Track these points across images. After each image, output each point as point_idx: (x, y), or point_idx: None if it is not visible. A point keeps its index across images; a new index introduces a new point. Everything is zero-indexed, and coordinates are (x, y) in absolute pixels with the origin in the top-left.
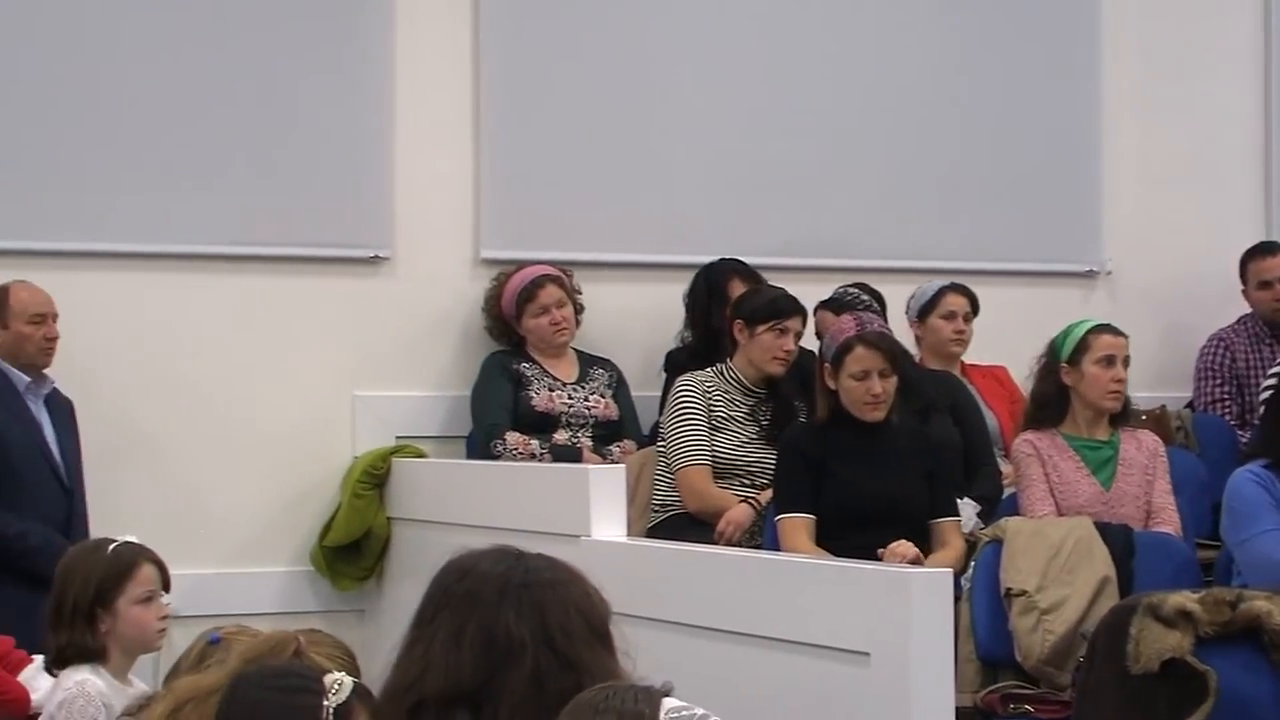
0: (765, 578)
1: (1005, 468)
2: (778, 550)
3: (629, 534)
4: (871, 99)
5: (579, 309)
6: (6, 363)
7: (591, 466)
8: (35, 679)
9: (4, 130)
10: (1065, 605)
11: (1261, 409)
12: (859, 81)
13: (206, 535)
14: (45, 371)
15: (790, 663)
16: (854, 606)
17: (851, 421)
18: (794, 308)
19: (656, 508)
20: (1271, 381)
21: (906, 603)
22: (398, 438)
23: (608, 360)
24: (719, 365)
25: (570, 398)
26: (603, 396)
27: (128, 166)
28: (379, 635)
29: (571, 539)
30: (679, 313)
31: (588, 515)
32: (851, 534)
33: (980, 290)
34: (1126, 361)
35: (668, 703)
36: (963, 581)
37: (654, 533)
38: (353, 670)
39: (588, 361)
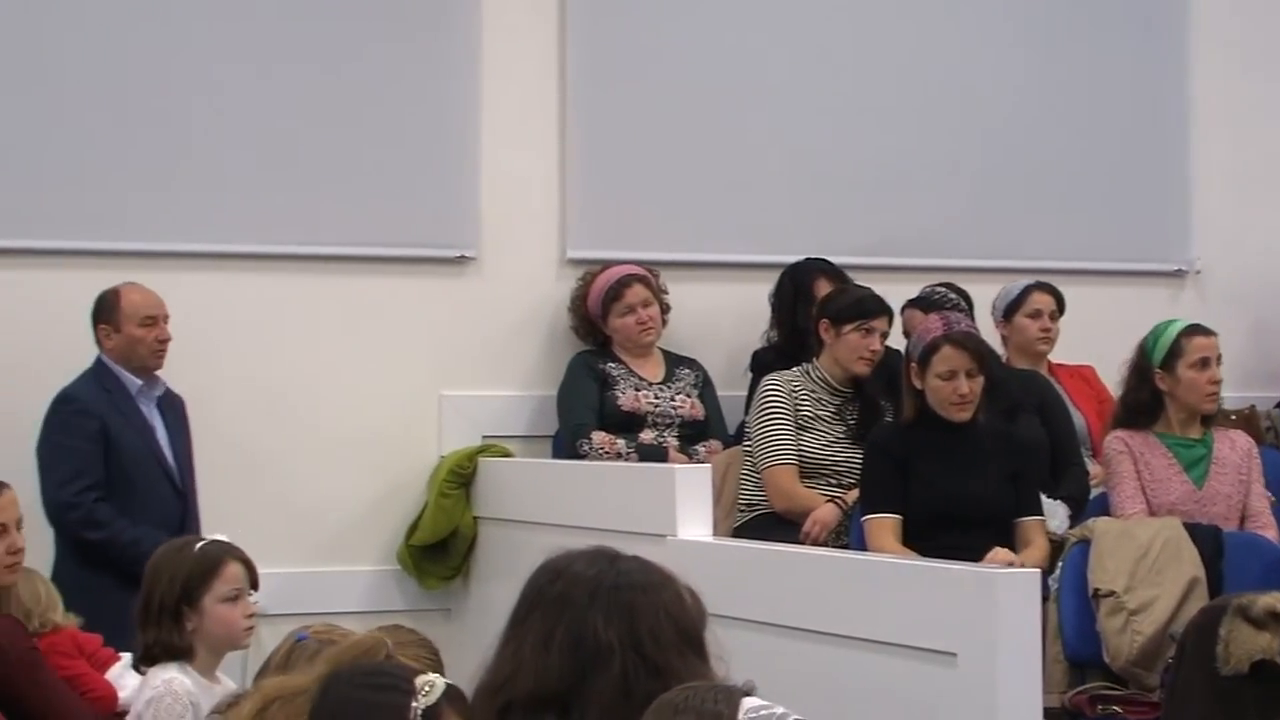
0: (852, 578)
1: (1093, 468)
2: (864, 550)
3: (714, 534)
4: (959, 97)
5: (665, 309)
6: (119, 366)
7: (677, 466)
8: (122, 677)
9: (109, 136)
10: (1154, 606)
11: None
12: (946, 80)
13: (295, 534)
14: (157, 373)
15: (877, 663)
16: (941, 607)
17: (938, 421)
18: (880, 308)
19: (742, 507)
20: None
21: (993, 603)
22: (484, 437)
23: (694, 360)
24: (805, 365)
25: (656, 397)
26: (689, 396)
27: (218, 169)
28: (465, 634)
29: (657, 539)
30: (765, 312)
31: (673, 515)
32: (938, 534)
33: (1067, 289)
34: (1219, 360)
35: (747, 702)
36: (1050, 582)
37: (740, 532)
38: (438, 669)
39: (674, 361)
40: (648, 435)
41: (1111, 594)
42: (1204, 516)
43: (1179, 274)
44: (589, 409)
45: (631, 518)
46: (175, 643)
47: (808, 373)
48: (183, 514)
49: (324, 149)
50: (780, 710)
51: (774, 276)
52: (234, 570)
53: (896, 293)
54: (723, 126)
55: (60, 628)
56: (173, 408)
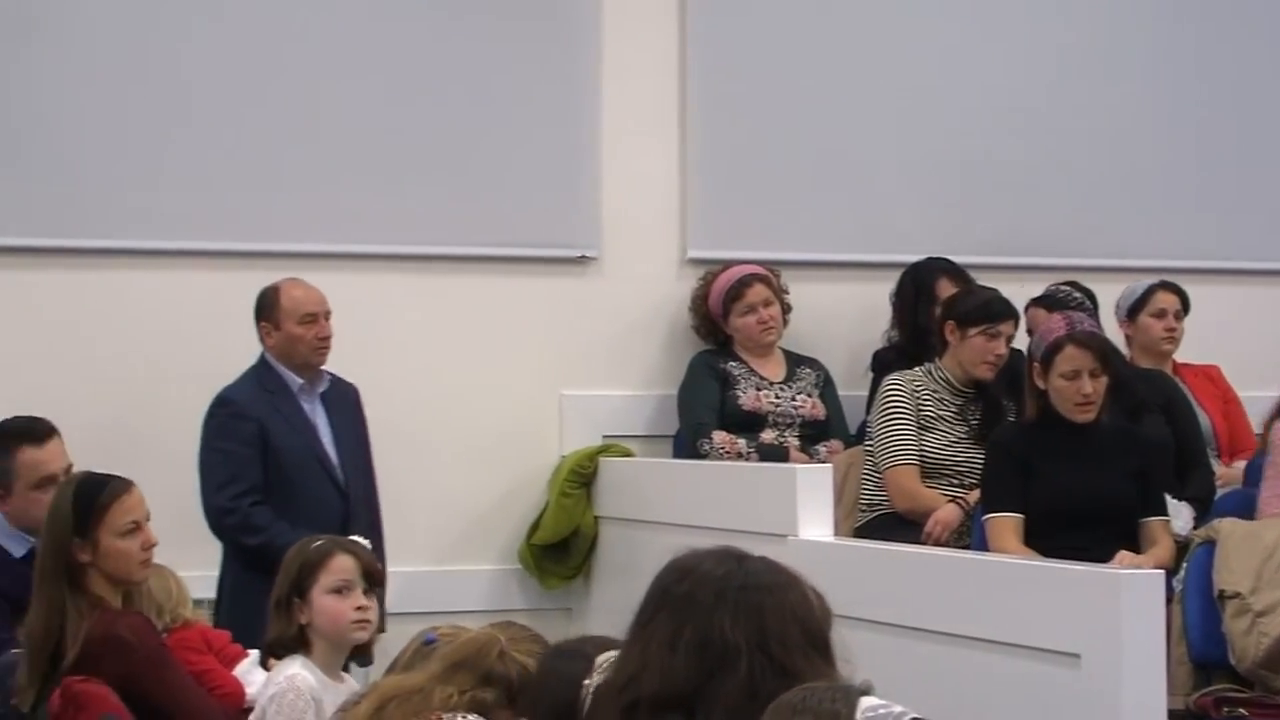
0: (973, 578)
1: (1218, 469)
2: (986, 550)
3: (836, 534)
4: (1082, 95)
5: (786, 308)
6: (280, 363)
7: (799, 466)
8: (250, 673)
9: (262, 139)
10: None
11: None
12: (1069, 77)
13: (417, 533)
14: (322, 369)
15: (999, 664)
16: (1064, 607)
17: (1061, 421)
18: (1007, 311)
19: (864, 507)
20: None
21: (1117, 604)
22: (605, 437)
23: (815, 360)
24: (928, 364)
25: (777, 397)
26: (810, 396)
27: (341, 169)
28: (586, 633)
29: (778, 539)
30: (886, 312)
31: (795, 515)
32: (1060, 534)
33: (1192, 288)
34: None
35: (865, 702)
36: (1174, 583)
37: (861, 532)
38: None
39: (795, 361)
40: (769, 435)
41: (1237, 595)
42: None
43: None
44: (710, 409)
45: (752, 518)
46: (289, 635)
47: (930, 372)
48: (345, 513)
49: (447, 151)
50: (899, 709)
51: (895, 276)
52: (341, 562)
53: (1017, 292)
54: (844, 125)
55: (190, 623)
56: (338, 402)
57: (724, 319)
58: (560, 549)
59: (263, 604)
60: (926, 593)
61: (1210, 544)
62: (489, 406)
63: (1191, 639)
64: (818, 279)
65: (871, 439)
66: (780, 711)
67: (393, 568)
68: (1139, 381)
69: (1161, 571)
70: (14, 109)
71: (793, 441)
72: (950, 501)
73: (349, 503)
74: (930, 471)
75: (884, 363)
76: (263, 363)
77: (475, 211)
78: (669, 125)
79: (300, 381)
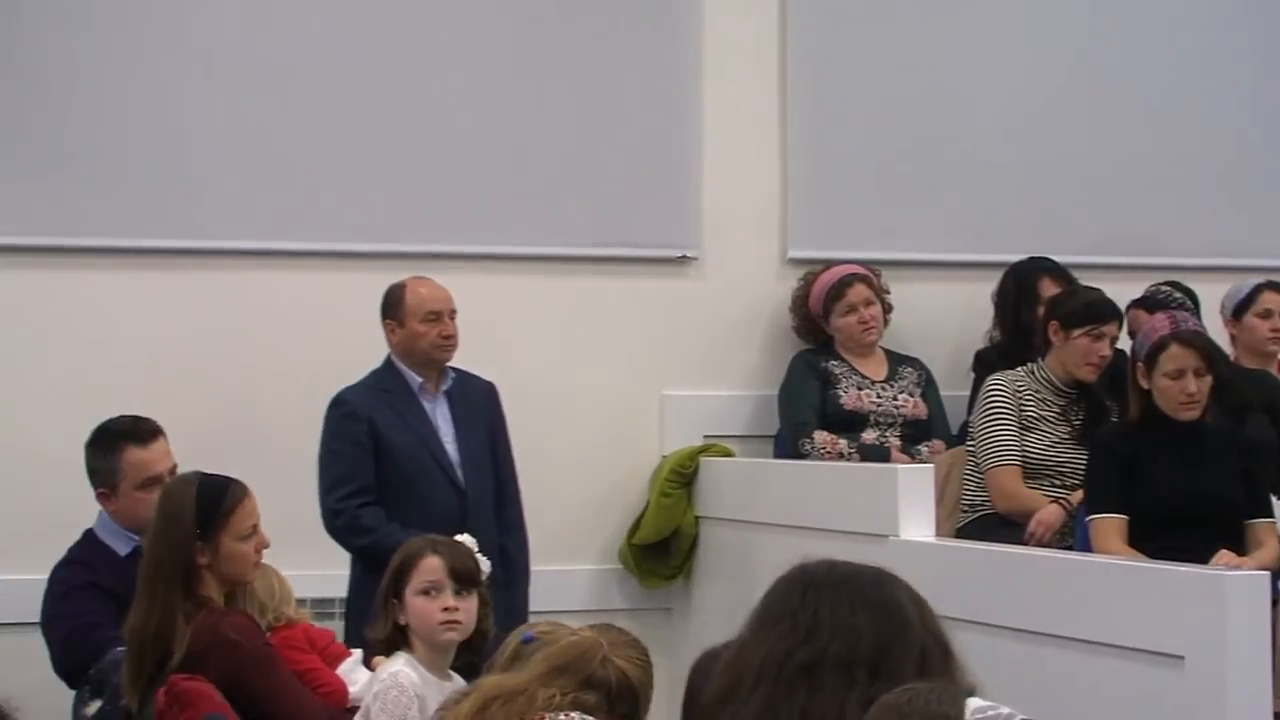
0: (1076, 579)
1: None
2: (1088, 551)
3: (937, 534)
4: (1185, 92)
5: (887, 308)
6: (403, 361)
7: (900, 466)
8: (353, 672)
9: (356, 142)
10: None
11: None
12: (1172, 75)
13: None
14: (448, 366)
15: (1102, 665)
16: (1167, 609)
17: (1165, 421)
18: (1111, 312)
19: (965, 508)
20: None
21: (1222, 605)
22: (705, 437)
23: (916, 359)
24: (1030, 364)
25: (879, 397)
26: (911, 395)
27: (445, 172)
28: (686, 634)
29: (879, 539)
30: (988, 311)
31: (896, 515)
32: (1164, 535)
33: None
34: None
35: (972, 703)
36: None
37: (963, 533)
38: (647, 670)
39: (896, 360)
40: (870, 435)
41: None
42: None
43: None
44: (811, 408)
45: (853, 518)
46: (385, 634)
47: (1032, 372)
48: (462, 512)
49: (547, 152)
50: (1005, 710)
51: (997, 275)
52: (430, 563)
53: (1121, 292)
54: (945, 123)
55: (294, 622)
56: (467, 400)
57: (825, 319)
58: (661, 549)
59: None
60: (1028, 593)
61: None
62: (590, 406)
63: None
64: (919, 278)
65: (973, 439)
66: (887, 712)
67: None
68: (1243, 382)
69: (1267, 573)
70: (128, 112)
71: (894, 441)
72: (1053, 502)
73: (466, 501)
74: (1032, 472)
75: (986, 362)
76: (386, 362)
77: (576, 212)
78: (770, 125)
79: (420, 380)
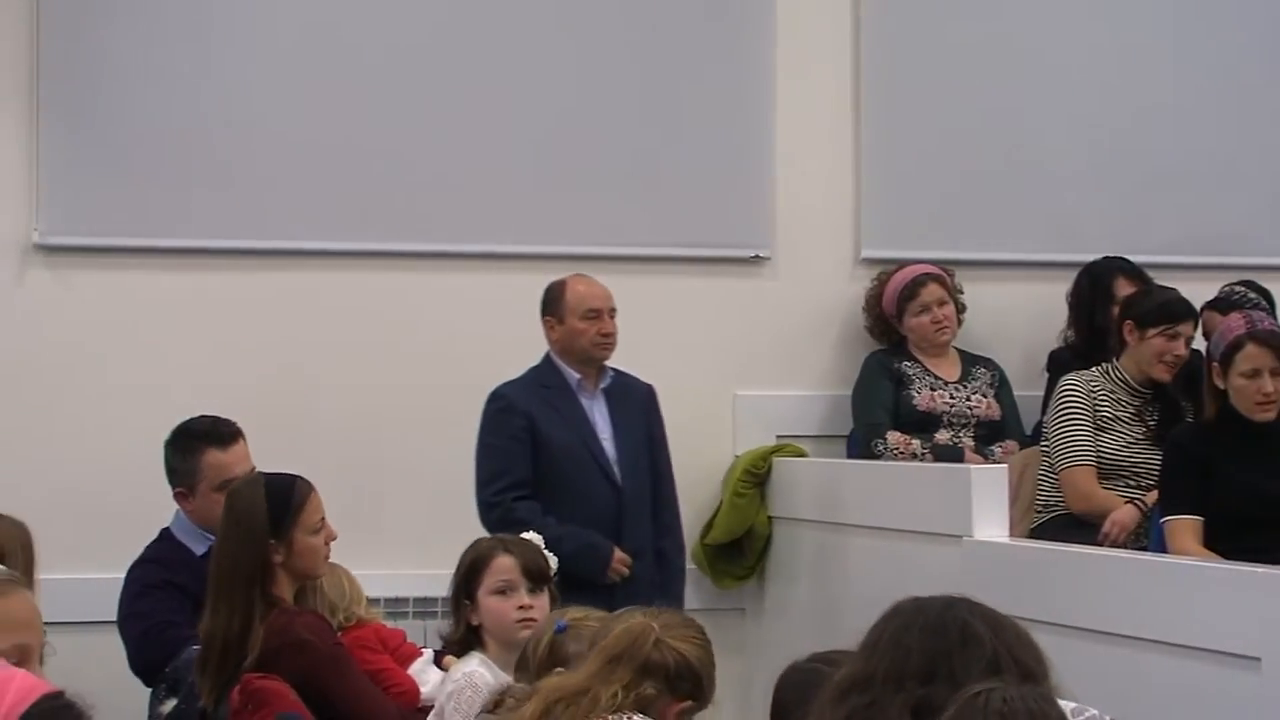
0: (1151, 580)
1: None
2: (1164, 552)
3: (1011, 535)
4: (1261, 91)
5: (961, 308)
6: (562, 358)
7: (974, 466)
8: (424, 671)
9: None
10: None
11: None
12: (1247, 73)
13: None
14: (607, 365)
15: (1177, 666)
16: (1244, 610)
17: (1240, 421)
18: (1186, 311)
19: (1040, 508)
20: None
21: None
22: (778, 437)
23: (990, 359)
24: (1105, 364)
25: (952, 397)
26: (985, 396)
27: (518, 172)
28: (760, 634)
29: (953, 539)
30: (1062, 312)
31: (969, 515)
32: (1240, 536)
33: None
34: None
35: (1062, 704)
36: None
37: (1037, 533)
38: (707, 649)
39: (970, 361)
40: (943, 435)
41: None
42: None
43: None
44: (884, 408)
45: (927, 518)
46: (458, 635)
47: (1107, 373)
48: (619, 509)
49: (621, 152)
50: (1092, 711)
51: (1071, 275)
52: (502, 563)
53: (1196, 291)
54: (1018, 123)
55: (364, 622)
56: (626, 400)
57: (898, 319)
58: (734, 549)
59: None
60: (1103, 594)
61: None
62: (664, 406)
63: None
64: (993, 278)
65: (1047, 440)
66: (975, 712)
67: None
68: None
69: None
70: (197, 115)
71: (968, 442)
72: (1127, 503)
73: (623, 499)
74: (1106, 472)
75: (1060, 363)
76: (545, 358)
77: (649, 212)
78: (843, 124)
79: (579, 377)
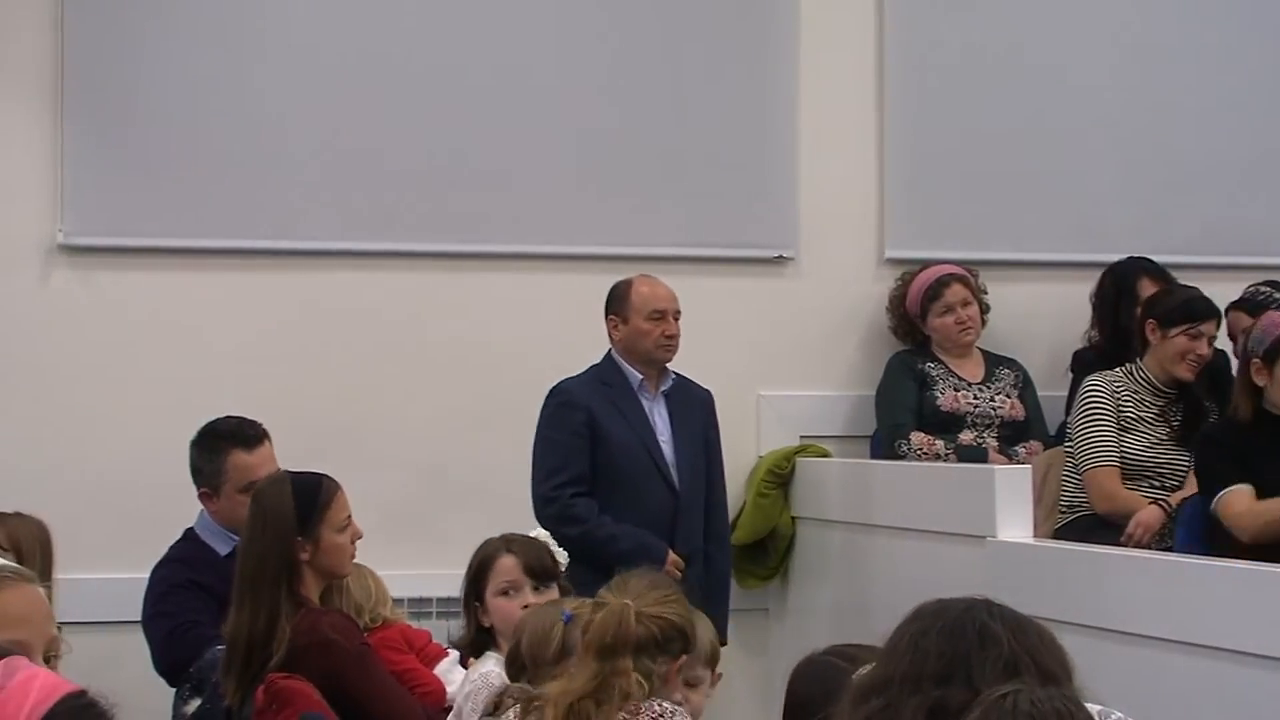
0: (1175, 581)
1: None
2: (1188, 552)
3: (1035, 535)
4: None
5: (985, 308)
6: (624, 358)
7: (998, 467)
8: (450, 671)
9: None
10: None
11: None
12: (1272, 72)
13: None
14: (668, 368)
15: (1201, 667)
16: (1267, 610)
17: (1276, 420)
18: (1209, 310)
19: (1064, 509)
20: None
21: None
22: (802, 437)
23: (1014, 360)
24: (1129, 365)
25: (976, 397)
26: (1009, 396)
27: (544, 172)
28: (784, 634)
29: (977, 540)
30: (1086, 312)
31: (993, 516)
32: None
33: None
34: None
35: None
36: None
37: (1061, 534)
38: (679, 602)
39: (994, 361)
40: (967, 436)
41: None
42: None
43: None
44: (908, 409)
45: (951, 519)
46: (469, 637)
47: (1131, 373)
48: (675, 511)
49: (645, 153)
50: (1117, 715)
51: (1095, 275)
52: (506, 564)
53: (1221, 291)
54: (1042, 123)
55: (390, 622)
56: (686, 404)
57: (922, 319)
58: (757, 549)
59: (588, 595)
60: (1127, 595)
61: None
62: None
63: None
64: (1017, 279)
65: (1071, 440)
66: (1004, 713)
67: None
68: None
69: None
70: (225, 116)
71: (991, 442)
72: (1151, 503)
73: (679, 501)
74: (1130, 473)
75: (1084, 363)
76: (606, 357)
77: (673, 213)
78: (867, 125)
79: (640, 377)
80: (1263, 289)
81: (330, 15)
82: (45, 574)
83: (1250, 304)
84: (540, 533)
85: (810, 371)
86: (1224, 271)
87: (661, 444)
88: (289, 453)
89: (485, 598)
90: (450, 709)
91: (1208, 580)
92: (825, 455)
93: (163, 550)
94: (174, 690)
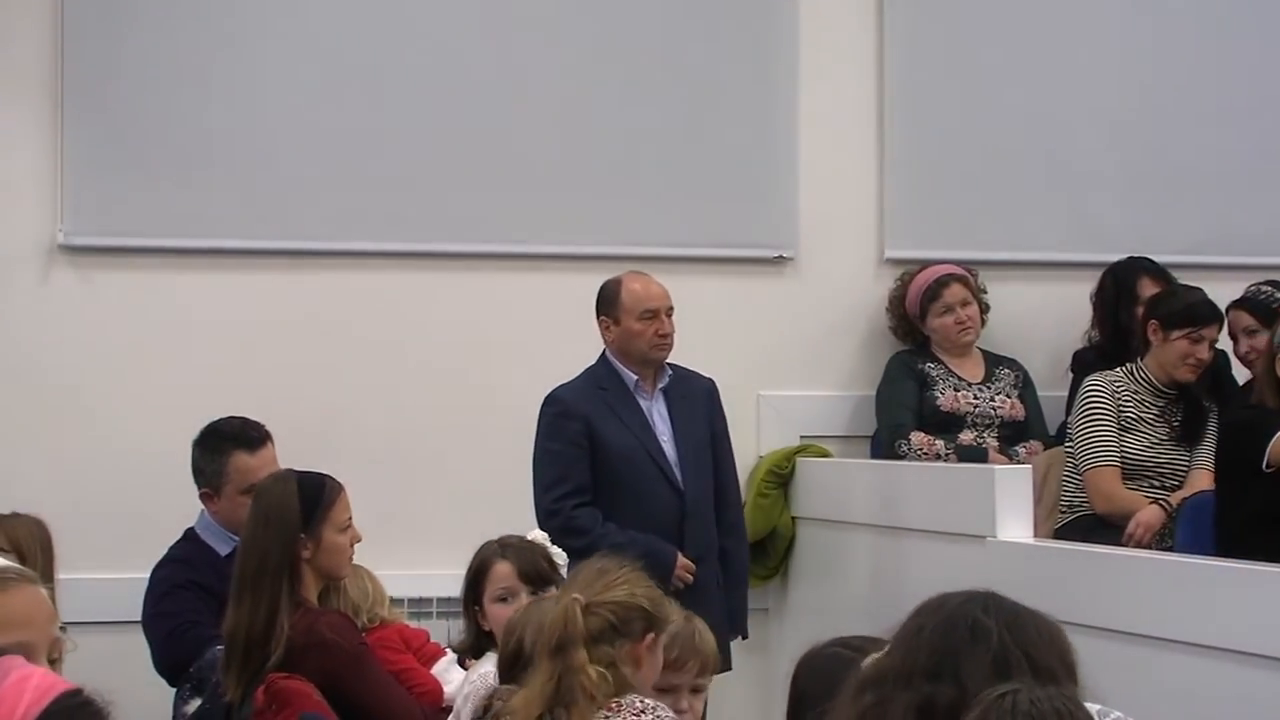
0: (1175, 580)
1: None
2: (1188, 552)
3: (1035, 535)
4: None
5: (984, 308)
6: (619, 359)
7: (998, 467)
8: (447, 672)
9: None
10: None
11: None
12: (1271, 73)
13: None
14: (665, 364)
15: (1201, 667)
16: (1268, 610)
17: None
18: (1212, 315)
19: (1064, 509)
20: None
21: None
22: (802, 437)
23: (1014, 360)
24: (1129, 365)
25: (976, 397)
26: (1009, 396)
27: (544, 172)
28: (783, 634)
29: (977, 540)
30: (1086, 312)
31: (993, 516)
32: None
33: None
34: None
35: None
36: None
37: (1061, 534)
38: (630, 581)
39: (994, 361)
40: (967, 436)
41: None
42: None
43: None
44: (908, 409)
45: (951, 519)
46: (469, 641)
47: (1131, 373)
48: (681, 511)
49: (646, 154)
50: (1116, 714)
51: (1095, 275)
52: (501, 570)
53: (1221, 291)
54: (1042, 123)
55: (388, 623)
56: (686, 398)
57: (921, 319)
58: (757, 549)
59: None
60: (1127, 595)
61: None
62: None
63: None
64: (1017, 278)
65: (1072, 440)
66: (1004, 713)
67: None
68: None
69: None
70: (231, 117)
71: (991, 442)
72: (1152, 503)
73: (685, 502)
74: (1130, 473)
75: (1084, 363)
76: (600, 358)
77: (674, 213)
78: (866, 125)
79: (636, 377)
80: (1264, 288)
81: (330, 16)
82: (47, 574)
83: (1251, 303)
84: (538, 534)
85: (810, 371)
86: (1224, 272)
87: (662, 444)
88: (289, 452)
89: (484, 603)
90: (448, 709)
91: (1208, 580)
92: (825, 455)
93: (163, 550)
94: (174, 690)
